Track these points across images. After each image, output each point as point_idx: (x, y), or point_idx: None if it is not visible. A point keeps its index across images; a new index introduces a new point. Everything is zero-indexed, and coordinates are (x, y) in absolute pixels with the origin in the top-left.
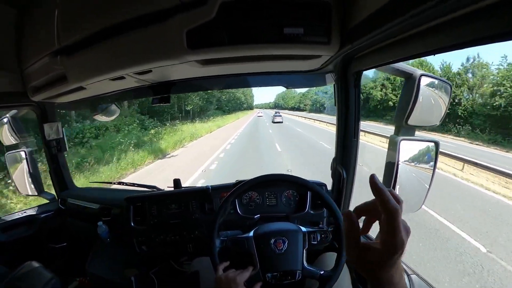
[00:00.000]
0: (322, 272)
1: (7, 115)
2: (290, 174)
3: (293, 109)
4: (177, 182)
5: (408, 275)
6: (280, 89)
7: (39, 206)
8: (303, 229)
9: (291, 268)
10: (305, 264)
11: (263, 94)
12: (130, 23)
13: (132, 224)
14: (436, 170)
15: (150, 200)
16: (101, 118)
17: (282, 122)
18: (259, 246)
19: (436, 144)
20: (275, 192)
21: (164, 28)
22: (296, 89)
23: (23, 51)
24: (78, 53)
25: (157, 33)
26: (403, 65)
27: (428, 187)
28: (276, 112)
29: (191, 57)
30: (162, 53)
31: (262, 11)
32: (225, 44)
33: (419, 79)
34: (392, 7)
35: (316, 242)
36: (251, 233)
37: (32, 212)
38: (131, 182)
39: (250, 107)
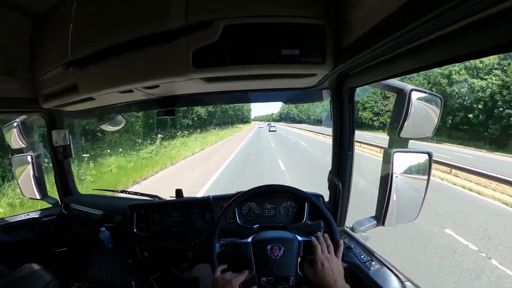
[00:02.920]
0: None
1: (17, 119)
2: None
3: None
4: (179, 192)
5: (402, 283)
6: None
7: (42, 210)
8: (299, 238)
9: (285, 274)
10: (299, 271)
11: (264, 105)
12: (140, 41)
13: (135, 230)
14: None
15: (153, 208)
16: (107, 127)
17: (276, 131)
18: (256, 251)
19: (429, 155)
20: (274, 203)
21: (172, 47)
22: None
23: (37, 60)
24: (90, 65)
25: (166, 52)
26: (394, 81)
27: (423, 196)
28: (268, 124)
29: (196, 75)
30: (170, 70)
31: (261, 34)
32: (227, 64)
33: (410, 94)
34: (381, 29)
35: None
36: (250, 239)
37: (35, 215)
38: (134, 191)
39: (245, 120)
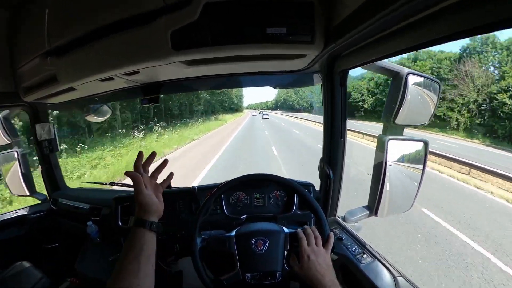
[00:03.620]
0: None
1: None
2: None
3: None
4: None
5: (394, 277)
6: None
7: (31, 207)
8: (286, 230)
9: (271, 269)
10: (285, 265)
11: (258, 92)
12: (117, 24)
13: (120, 223)
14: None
15: None
16: (93, 118)
17: (268, 118)
18: (240, 246)
19: (425, 143)
20: (263, 192)
21: (149, 29)
22: None
23: (15, 52)
24: (68, 54)
25: (143, 35)
26: (390, 64)
27: (417, 186)
28: (260, 112)
29: (176, 58)
30: (148, 54)
31: (244, 11)
32: (208, 44)
33: (406, 78)
34: (374, 3)
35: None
36: (233, 233)
37: (23, 212)
38: (122, 182)
39: (235, 109)
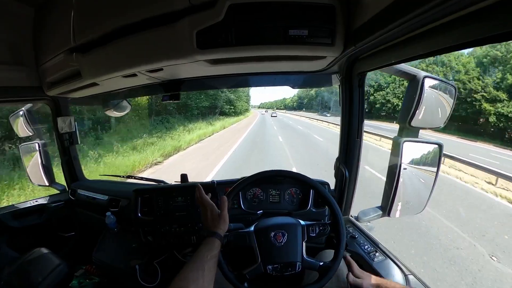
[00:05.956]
0: (321, 263)
1: (23, 108)
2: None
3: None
4: (184, 177)
5: (405, 275)
6: None
7: (50, 196)
8: (302, 222)
9: (291, 260)
10: (305, 256)
11: (273, 88)
12: (143, 23)
13: (139, 214)
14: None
15: (157, 193)
16: (112, 113)
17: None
18: (260, 240)
19: (440, 146)
20: (279, 189)
21: (175, 28)
22: None
23: (40, 48)
24: (93, 51)
25: (169, 34)
26: (407, 67)
27: (431, 189)
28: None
29: (200, 56)
30: (173, 52)
31: (268, 14)
32: (232, 44)
33: (423, 81)
34: (394, 9)
35: (314, 235)
36: (252, 228)
37: (43, 201)
38: (140, 176)
39: (229, 110)
